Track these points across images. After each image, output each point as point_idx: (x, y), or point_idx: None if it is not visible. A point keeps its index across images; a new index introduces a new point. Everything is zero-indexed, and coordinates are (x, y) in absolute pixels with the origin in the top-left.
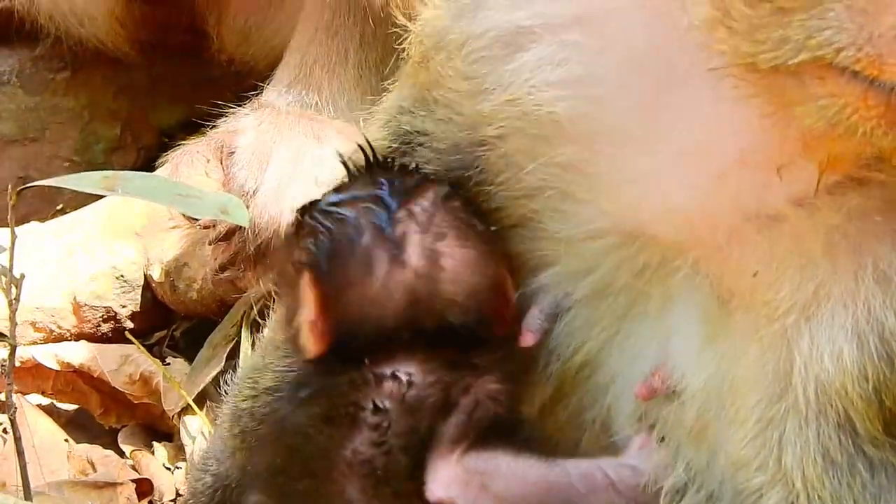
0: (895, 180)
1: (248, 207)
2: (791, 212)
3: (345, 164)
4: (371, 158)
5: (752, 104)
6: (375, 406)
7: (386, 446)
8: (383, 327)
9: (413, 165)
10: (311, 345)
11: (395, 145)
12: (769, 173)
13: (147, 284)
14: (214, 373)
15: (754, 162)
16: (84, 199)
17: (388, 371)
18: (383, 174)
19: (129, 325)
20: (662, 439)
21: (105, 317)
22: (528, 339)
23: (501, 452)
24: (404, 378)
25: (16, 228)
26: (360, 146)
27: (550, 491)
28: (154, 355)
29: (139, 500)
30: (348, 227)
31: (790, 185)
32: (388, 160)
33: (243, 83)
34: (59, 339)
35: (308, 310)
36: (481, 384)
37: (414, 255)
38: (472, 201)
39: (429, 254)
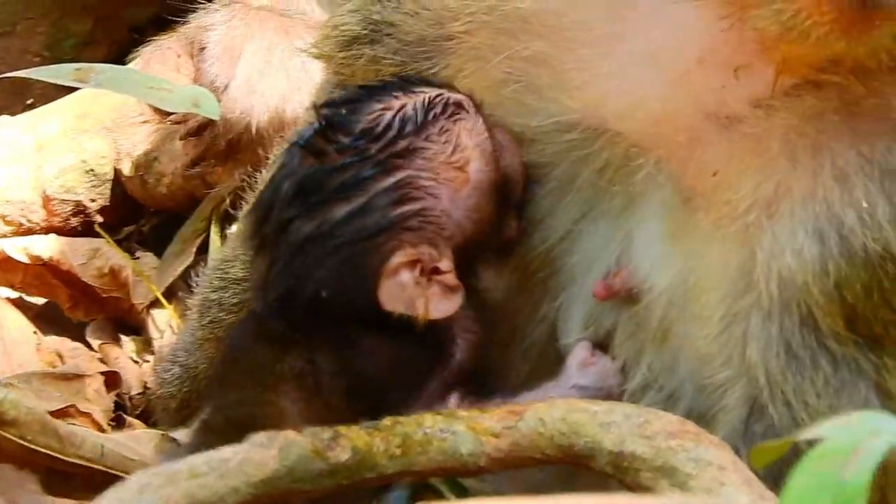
0: (850, 83)
1: (219, 102)
2: (749, 112)
3: None
4: None
5: (711, 6)
6: None
7: (316, 365)
8: None
9: None
10: None
11: (364, 32)
12: (727, 74)
13: (117, 179)
14: (183, 267)
15: (713, 63)
16: (54, 94)
17: None
18: None
19: (99, 218)
20: (606, 349)
21: (74, 210)
22: None
23: None
24: None
25: None
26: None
27: None
28: (123, 249)
29: (107, 393)
30: None
31: (748, 87)
32: None
33: None
34: (29, 232)
35: None
36: None
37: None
38: None
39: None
